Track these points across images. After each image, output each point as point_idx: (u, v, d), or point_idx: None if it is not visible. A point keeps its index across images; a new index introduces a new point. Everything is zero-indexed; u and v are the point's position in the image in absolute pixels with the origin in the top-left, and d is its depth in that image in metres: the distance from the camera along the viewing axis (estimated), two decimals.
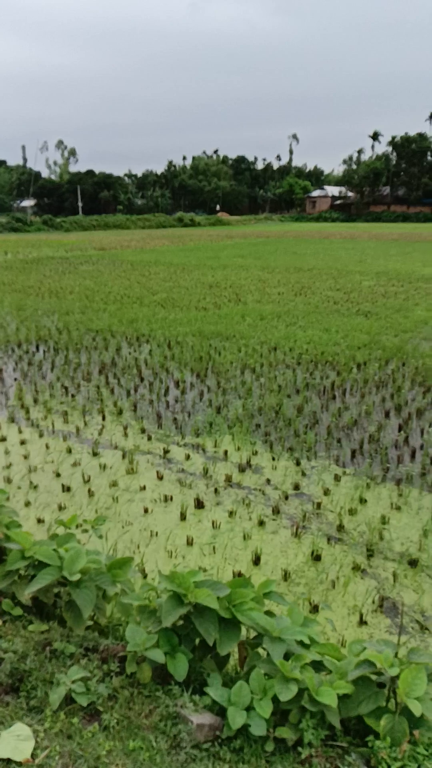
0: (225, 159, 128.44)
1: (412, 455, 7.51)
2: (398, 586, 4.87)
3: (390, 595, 4.73)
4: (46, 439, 8.03)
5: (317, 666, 2.67)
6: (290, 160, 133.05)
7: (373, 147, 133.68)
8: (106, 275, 25.95)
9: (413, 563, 5.14)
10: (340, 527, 5.74)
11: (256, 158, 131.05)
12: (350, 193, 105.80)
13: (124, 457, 7.41)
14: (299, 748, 2.34)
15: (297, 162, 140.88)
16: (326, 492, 6.51)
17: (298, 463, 7.23)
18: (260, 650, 2.84)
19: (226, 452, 7.54)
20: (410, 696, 2.38)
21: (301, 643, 2.75)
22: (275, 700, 2.44)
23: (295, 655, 2.60)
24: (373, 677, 2.60)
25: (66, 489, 6.55)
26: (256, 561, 5.17)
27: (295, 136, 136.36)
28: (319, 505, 6.19)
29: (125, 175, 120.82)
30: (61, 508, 6.14)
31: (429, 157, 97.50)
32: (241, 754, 2.35)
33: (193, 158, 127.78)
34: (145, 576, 4.90)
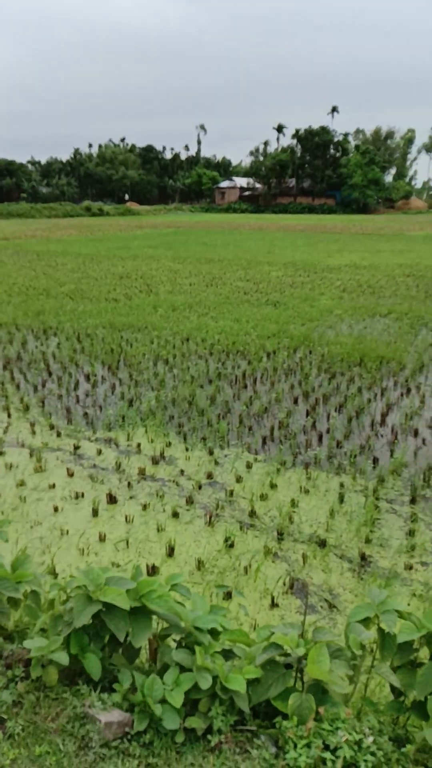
0: (133, 148, 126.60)
1: (320, 439, 7.76)
2: (308, 567, 5.02)
3: (300, 577, 4.88)
4: None
5: (228, 653, 2.70)
6: (198, 150, 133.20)
7: (278, 139, 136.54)
8: (9, 266, 24.91)
9: (322, 544, 5.32)
10: (252, 513, 5.84)
11: (164, 148, 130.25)
12: (258, 185, 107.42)
13: (31, 455, 7.16)
14: (209, 736, 2.36)
15: (206, 153, 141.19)
16: (239, 479, 6.60)
17: (211, 453, 7.28)
18: (170, 641, 2.84)
19: (139, 445, 7.46)
20: (317, 674, 2.45)
21: (212, 631, 2.77)
22: (185, 690, 2.44)
23: (205, 645, 2.61)
24: (281, 659, 2.66)
25: None
26: (170, 552, 5.16)
27: (202, 127, 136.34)
28: (231, 492, 6.27)
29: (28, 162, 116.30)
30: None
31: (332, 151, 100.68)
32: (151, 748, 2.34)
33: (100, 146, 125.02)
34: (55, 576, 4.76)
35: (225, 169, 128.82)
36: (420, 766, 2.36)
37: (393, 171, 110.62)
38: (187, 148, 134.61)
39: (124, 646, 2.88)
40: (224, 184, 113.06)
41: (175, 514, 5.83)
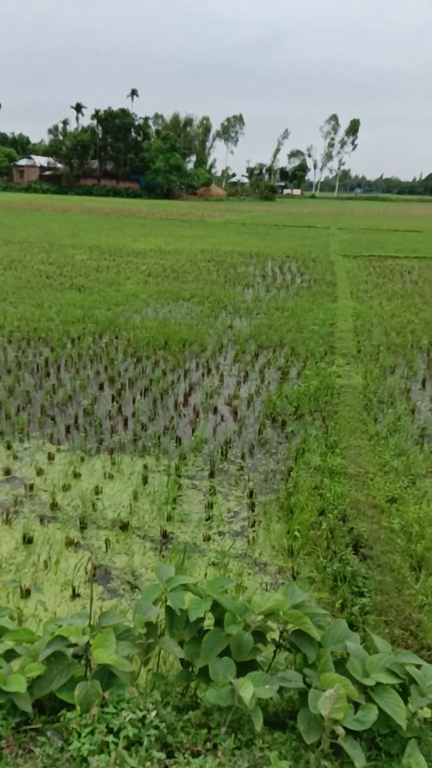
0: None
1: (125, 423, 7.78)
2: (110, 552, 5.02)
3: (102, 563, 4.86)
4: None
5: (10, 655, 2.58)
6: None
7: (77, 119, 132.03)
8: None
9: (124, 527, 5.35)
10: (54, 505, 5.67)
11: None
12: (59, 165, 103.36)
13: None
14: None
15: (0, 128, 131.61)
16: (39, 472, 6.35)
17: (9, 447, 6.90)
18: None
19: None
20: (103, 658, 2.45)
21: None
22: None
23: None
24: (68, 651, 2.61)
25: None
26: None
27: None
28: (31, 486, 6.01)
29: None
30: None
31: (133, 134, 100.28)
32: None
33: None
34: None
35: (23, 146, 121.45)
36: (204, 728, 2.49)
37: (193, 158, 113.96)
38: None
39: None
40: (22, 162, 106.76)
41: None
